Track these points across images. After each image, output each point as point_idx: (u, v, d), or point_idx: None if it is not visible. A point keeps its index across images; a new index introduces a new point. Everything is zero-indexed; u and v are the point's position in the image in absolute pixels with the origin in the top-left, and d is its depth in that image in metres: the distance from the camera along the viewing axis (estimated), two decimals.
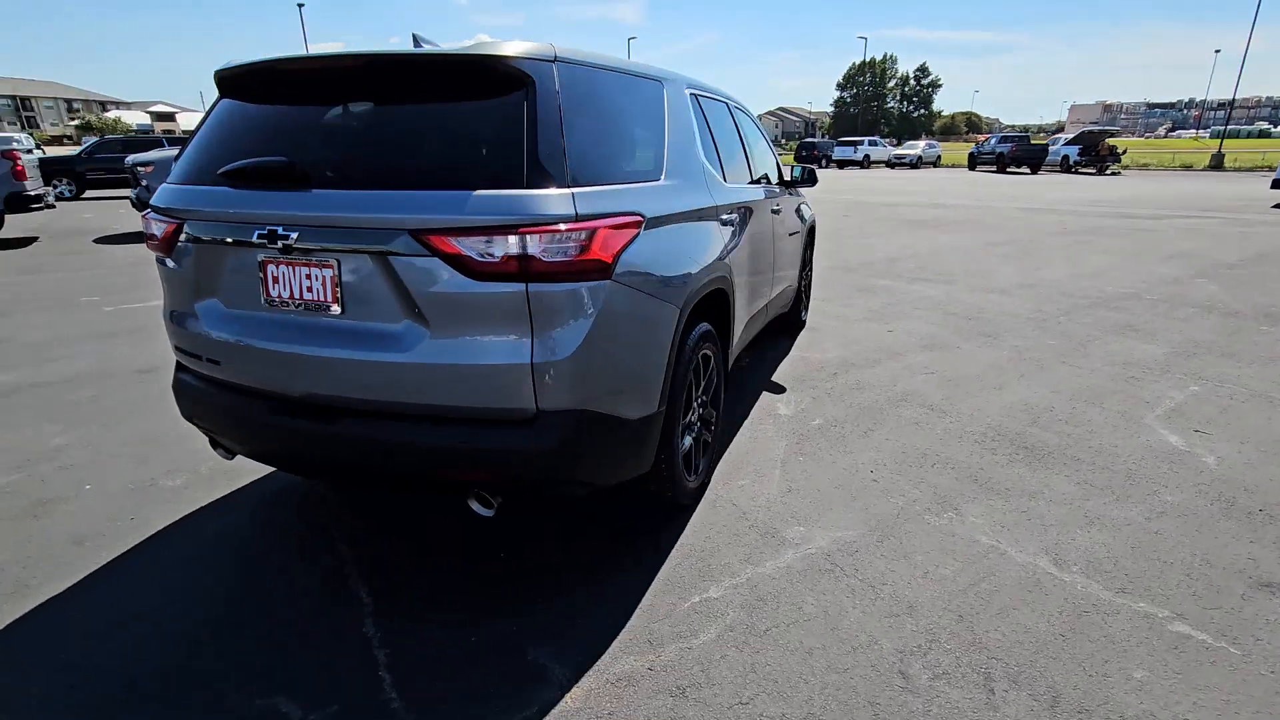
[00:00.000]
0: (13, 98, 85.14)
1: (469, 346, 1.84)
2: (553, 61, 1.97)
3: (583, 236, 1.82)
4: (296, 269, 1.94)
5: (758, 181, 3.78)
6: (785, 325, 5.24)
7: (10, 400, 3.86)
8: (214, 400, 2.19)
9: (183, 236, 2.11)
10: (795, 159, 40.88)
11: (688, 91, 2.97)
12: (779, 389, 4.08)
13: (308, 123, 2.03)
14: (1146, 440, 3.31)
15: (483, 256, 1.75)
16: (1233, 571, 2.31)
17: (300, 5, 45.59)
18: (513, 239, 1.74)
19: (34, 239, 10.39)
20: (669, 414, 2.33)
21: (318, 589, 2.25)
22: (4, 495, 2.82)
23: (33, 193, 10.17)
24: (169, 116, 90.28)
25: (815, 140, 42.41)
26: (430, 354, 1.85)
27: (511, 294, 1.79)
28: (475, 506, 2.02)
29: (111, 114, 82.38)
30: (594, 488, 2.12)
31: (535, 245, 1.76)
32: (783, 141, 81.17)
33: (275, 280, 1.99)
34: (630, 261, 2.00)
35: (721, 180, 3.04)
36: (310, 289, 1.95)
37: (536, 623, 2.08)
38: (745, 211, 3.29)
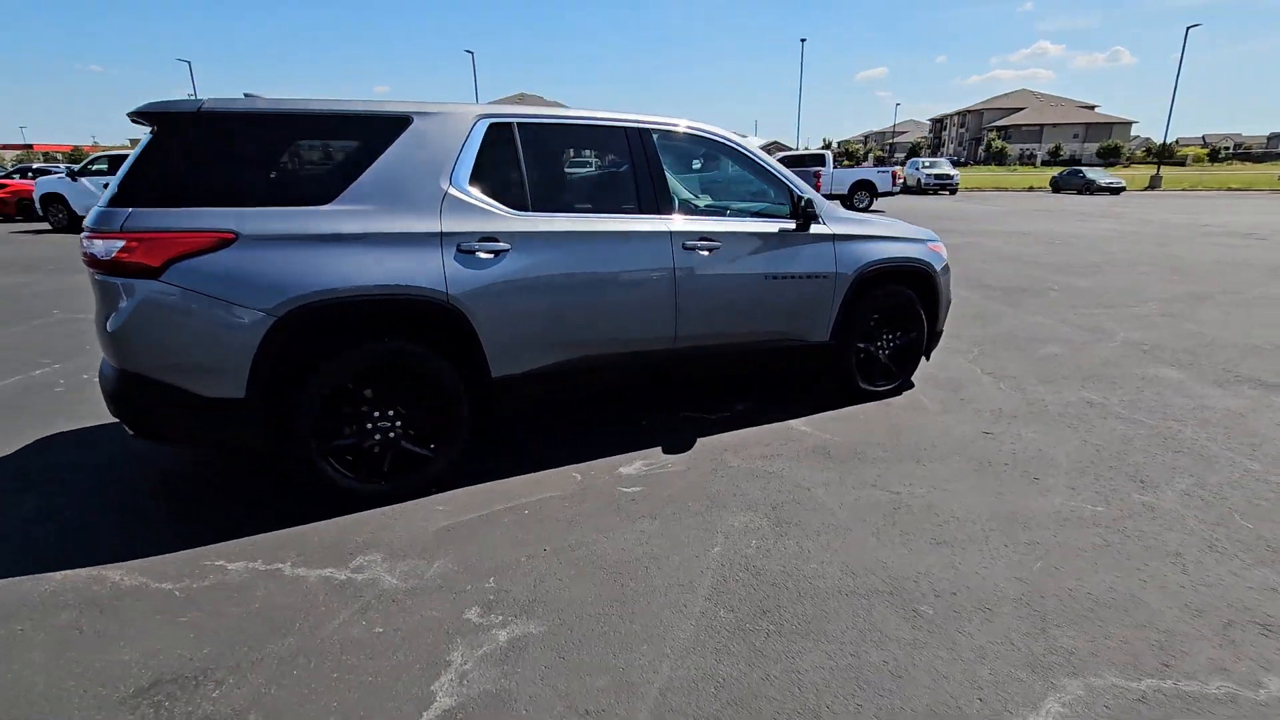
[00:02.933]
0: None
1: (99, 314, 2.65)
2: (193, 114, 2.57)
3: (124, 244, 2.42)
4: None
5: (664, 213, 3.35)
6: (831, 390, 4.21)
7: None
8: None
9: None
10: None
11: (483, 123, 3.01)
12: (678, 449, 3.51)
13: None
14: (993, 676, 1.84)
15: (85, 251, 2.53)
16: None
17: (803, 41, 49.80)
18: (87, 240, 2.48)
19: None
20: (277, 404, 2.66)
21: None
22: None
23: None
24: None
25: None
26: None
27: (92, 277, 2.53)
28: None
29: None
30: (182, 439, 2.69)
31: (96, 247, 2.45)
32: None
33: None
34: (194, 268, 2.47)
35: (504, 209, 2.98)
36: None
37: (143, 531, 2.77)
38: (563, 241, 3.10)
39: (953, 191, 32.02)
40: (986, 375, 4.74)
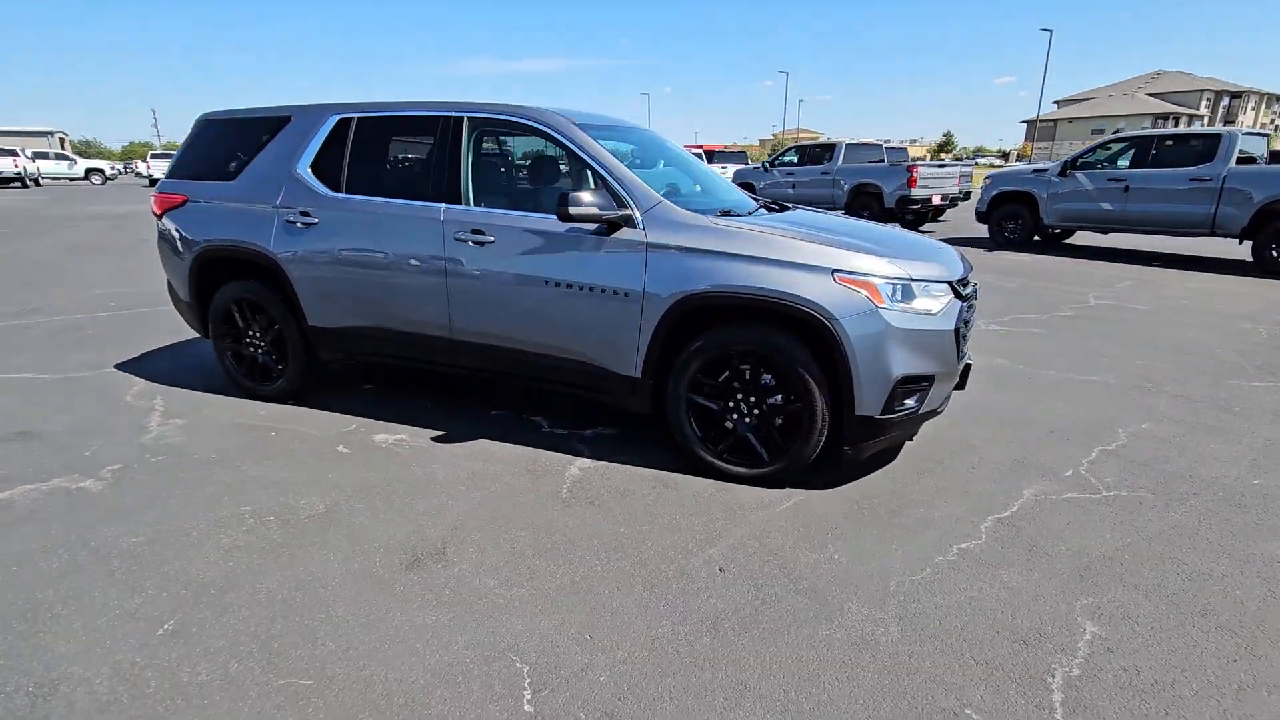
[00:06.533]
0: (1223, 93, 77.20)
1: None
2: (199, 120, 4.08)
3: (154, 200, 4.11)
4: None
5: (451, 201, 3.30)
6: (627, 411, 3.23)
7: None
8: None
9: None
10: None
11: (335, 118, 3.61)
12: (447, 440, 3.47)
13: None
14: None
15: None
16: None
17: None
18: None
19: None
20: (204, 310, 4.04)
21: None
22: None
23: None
24: None
25: None
26: None
27: None
28: None
29: None
30: (186, 322, 4.33)
31: (151, 202, 4.23)
32: None
33: None
34: (171, 216, 4.01)
35: (323, 189, 3.58)
36: None
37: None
38: (361, 222, 3.50)
39: None
40: (995, 516, 2.68)
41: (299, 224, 3.64)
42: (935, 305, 2.81)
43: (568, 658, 1.97)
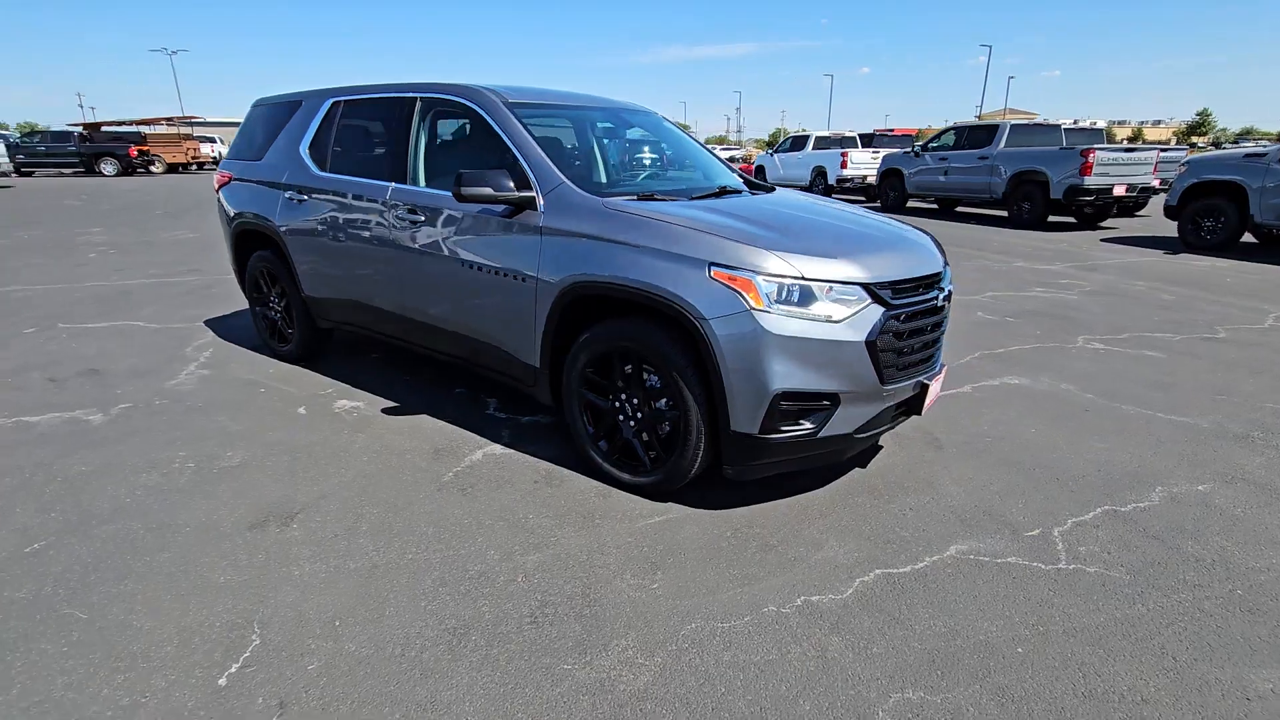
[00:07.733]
0: None
1: None
2: (253, 107, 4.56)
3: (216, 176, 4.68)
4: None
5: (398, 180, 3.38)
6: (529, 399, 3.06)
7: None
8: None
9: None
10: None
11: (330, 101, 3.85)
12: (396, 413, 3.61)
13: None
14: None
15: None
16: None
17: None
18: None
19: None
20: (244, 275, 4.56)
21: None
22: None
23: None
24: None
25: None
26: None
27: None
28: None
29: None
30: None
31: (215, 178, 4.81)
32: None
33: None
34: (223, 192, 4.54)
35: (314, 168, 3.83)
36: None
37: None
38: (333, 199, 3.71)
39: None
40: (885, 570, 2.21)
41: (295, 201, 3.95)
42: (840, 311, 2.36)
43: (301, 641, 1.96)
